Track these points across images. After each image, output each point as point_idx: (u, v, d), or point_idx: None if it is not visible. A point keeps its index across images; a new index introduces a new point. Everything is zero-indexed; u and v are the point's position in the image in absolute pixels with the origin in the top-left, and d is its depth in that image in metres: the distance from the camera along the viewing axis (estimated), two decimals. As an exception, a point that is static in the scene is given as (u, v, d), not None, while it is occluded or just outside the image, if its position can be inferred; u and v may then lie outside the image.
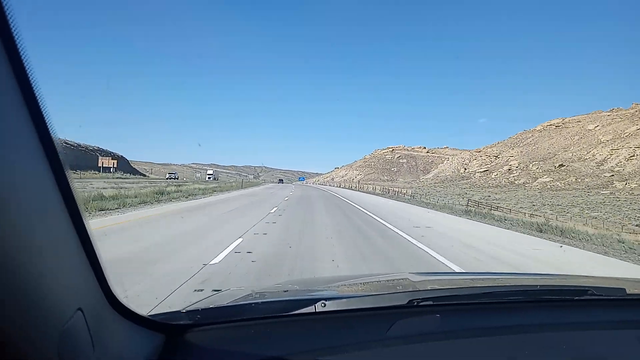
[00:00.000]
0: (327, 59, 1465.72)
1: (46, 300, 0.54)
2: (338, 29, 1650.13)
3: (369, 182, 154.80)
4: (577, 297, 1.29)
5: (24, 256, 0.50)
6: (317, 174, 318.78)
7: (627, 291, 1.30)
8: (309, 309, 1.06)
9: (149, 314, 0.94)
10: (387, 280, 1.74)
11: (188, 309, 1.09)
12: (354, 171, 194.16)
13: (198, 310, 1.08)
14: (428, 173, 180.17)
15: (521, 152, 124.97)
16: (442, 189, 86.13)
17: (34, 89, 0.53)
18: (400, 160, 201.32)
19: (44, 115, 0.55)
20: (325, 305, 1.06)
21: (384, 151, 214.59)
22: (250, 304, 1.20)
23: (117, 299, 0.79)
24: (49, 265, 0.56)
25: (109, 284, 0.75)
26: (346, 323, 1.07)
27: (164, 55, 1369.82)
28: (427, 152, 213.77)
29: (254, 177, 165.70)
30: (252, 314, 1.10)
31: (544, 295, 1.33)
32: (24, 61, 0.52)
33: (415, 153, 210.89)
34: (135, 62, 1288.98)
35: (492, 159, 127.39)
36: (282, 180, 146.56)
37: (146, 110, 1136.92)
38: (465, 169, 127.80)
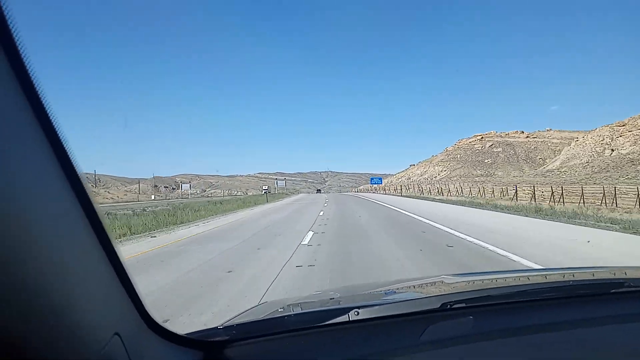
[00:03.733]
0: (390, 46, 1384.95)
1: (82, 326, 0.55)
2: (402, 12, 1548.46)
3: (458, 180, 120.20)
4: (613, 290, 1.26)
5: (57, 282, 0.52)
6: (387, 175, 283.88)
7: None
8: (343, 318, 1.07)
9: (185, 333, 0.96)
10: (422, 285, 1.73)
11: (225, 324, 1.12)
12: (435, 167, 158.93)
13: (234, 325, 1.11)
14: (546, 161, 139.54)
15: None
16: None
17: (39, 94, 0.52)
18: (494, 150, 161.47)
19: (66, 149, 0.55)
20: (358, 313, 1.07)
21: (470, 140, 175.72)
22: (284, 316, 1.22)
23: (154, 321, 0.81)
24: (82, 291, 0.57)
25: (145, 307, 0.77)
26: (379, 330, 1.07)
27: (227, 64, 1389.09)
28: (527, 137, 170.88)
29: (284, 185, 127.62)
30: (286, 326, 1.11)
31: (578, 290, 1.30)
32: (27, 66, 0.50)
33: (512, 139, 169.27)
34: (191, 70, 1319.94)
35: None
36: (320, 190, 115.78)
37: (207, 121, 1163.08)
38: (612, 150, 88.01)
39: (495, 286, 1.49)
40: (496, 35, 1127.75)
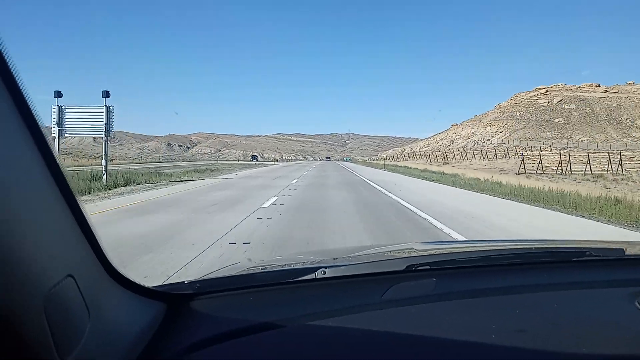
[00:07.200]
0: None
1: (30, 265, 0.55)
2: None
3: (524, 142, 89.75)
4: (574, 259, 1.31)
5: (3, 225, 0.51)
6: (413, 140, 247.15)
7: (625, 252, 1.34)
8: (309, 276, 1.09)
9: (152, 286, 0.96)
10: (392, 250, 1.75)
11: (190, 280, 1.11)
12: (487, 127, 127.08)
13: (199, 280, 1.12)
14: (636, 122, 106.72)
15: None
16: None
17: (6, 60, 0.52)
18: (566, 107, 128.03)
19: (14, 75, 0.54)
20: (325, 272, 1.09)
21: (531, 95, 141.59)
22: (253, 273, 1.24)
23: (116, 270, 0.81)
24: (32, 232, 0.57)
25: (106, 255, 0.77)
26: (344, 289, 1.10)
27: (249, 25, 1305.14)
28: (605, 91, 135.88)
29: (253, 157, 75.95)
30: (253, 282, 1.14)
31: (541, 257, 1.36)
32: None
33: (585, 94, 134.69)
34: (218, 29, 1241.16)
35: None
36: (329, 158, 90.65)
37: (226, 80, 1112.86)
38: None
39: (461, 251, 1.53)
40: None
